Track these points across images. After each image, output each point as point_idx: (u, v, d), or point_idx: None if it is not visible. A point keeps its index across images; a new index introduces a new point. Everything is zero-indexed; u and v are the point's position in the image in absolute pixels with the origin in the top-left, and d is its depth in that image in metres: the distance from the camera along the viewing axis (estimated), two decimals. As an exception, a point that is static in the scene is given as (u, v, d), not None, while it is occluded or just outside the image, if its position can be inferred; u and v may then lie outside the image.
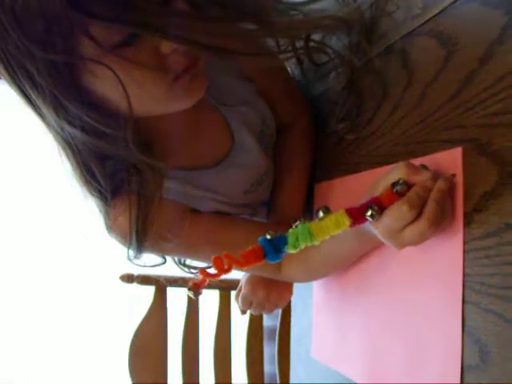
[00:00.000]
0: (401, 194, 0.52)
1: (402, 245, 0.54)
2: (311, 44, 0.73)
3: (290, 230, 0.49)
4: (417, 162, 0.59)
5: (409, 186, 0.52)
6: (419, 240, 0.52)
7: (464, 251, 0.51)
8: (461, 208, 0.52)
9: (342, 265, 0.77)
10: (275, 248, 0.48)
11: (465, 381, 0.50)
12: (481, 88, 0.50)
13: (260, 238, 0.49)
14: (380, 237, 0.54)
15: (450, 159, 0.53)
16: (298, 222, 0.49)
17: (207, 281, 0.49)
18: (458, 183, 0.52)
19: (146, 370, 1.33)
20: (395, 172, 0.54)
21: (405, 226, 0.51)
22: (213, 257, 0.47)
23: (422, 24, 0.60)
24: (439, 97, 0.56)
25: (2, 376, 2.08)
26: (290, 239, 0.48)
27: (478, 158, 0.50)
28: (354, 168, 0.75)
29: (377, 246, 0.67)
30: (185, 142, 0.74)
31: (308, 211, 0.90)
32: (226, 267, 0.47)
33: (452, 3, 0.55)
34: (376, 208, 0.51)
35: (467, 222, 0.51)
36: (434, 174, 0.52)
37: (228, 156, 0.79)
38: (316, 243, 0.49)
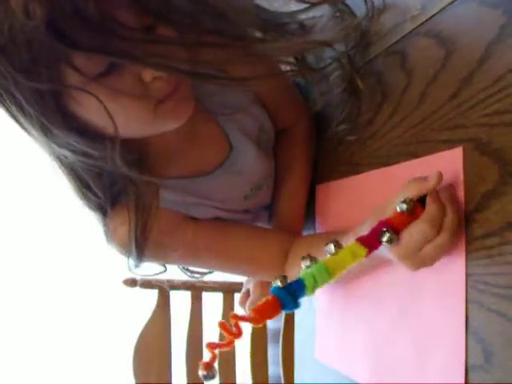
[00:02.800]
0: (410, 212, 0.50)
1: (419, 264, 0.52)
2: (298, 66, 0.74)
3: (304, 272, 0.46)
4: (418, 162, 0.59)
5: (416, 202, 0.51)
6: (439, 253, 0.51)
7: (466, 251, 0.51)
8: (462, 208, 0.52)
9: (346, 279, 0.77)
10: (292, 295, 0.43)
11: (469, 381, 0.50)
12: (480, 87, 0.50)
13: (272, 288, 0.44)
14: (395, 259, 0.53)
15: (451, 159, 0.53)
16: (308, 262, 0.46)
17: (217, 356, 0.42)
18: (459, 183, 0.52)
19: (150, 374, 1.33)
20: (404, 192, 0.52)
21: (423, 245, 0.50)
22: (220, 322, 0.42)
23: (421, 24, 0.60)
24: (439, 97, 0.56)
25: (6, 380, 2.09)
26: (308, 283, 0.44)
27: (478, 157, 0.50)
28: (355, 169, 0.75)
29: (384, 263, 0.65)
30: (180, 152, 0.74)
31: (309, 213, 0.90)
32: (235, 331, 0.41)
33: (450, 3, 0.55)
34: (392, 232, 0.49)
35: (469, 222, 0.51)
36: (439, 174, 0.51)
37: (225, 162, 0.79)
38: (332, 281, 0.46)
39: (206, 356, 0.42)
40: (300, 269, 0.46)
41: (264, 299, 0.43)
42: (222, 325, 0.41)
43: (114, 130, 0.55)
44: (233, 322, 0.41)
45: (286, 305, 0.43)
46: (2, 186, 1.93)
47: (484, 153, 0.49)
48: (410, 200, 0.50)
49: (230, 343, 0.41)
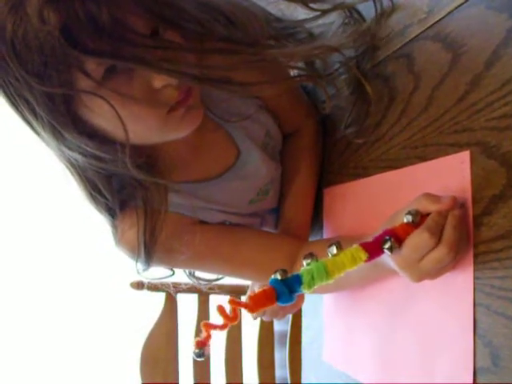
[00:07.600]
0: (416, 225, 0.50)
1: (419, 276, 0.52)
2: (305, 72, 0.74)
3: (303, 268, 0.47)
4: (425, 165, 0.59)
5: (423, 215, 0.51)
6: (438, 266, 0.51)
7: (474, 254, 0.51)
8: (470, 211, 0.52)
9: (352, 288, 0.77)
10: (289, 289, 0.45)
11: (477, 383, 0.50)
12: (488, 91, 0.50)
13: (271, 279, 0.45)
14: (396, 268, 0.53)
15: (458, 162, 0.53)
16: (309, 260, 0.47)
17: (211, 337, 0.44)
18: (467, 186, 0.52)
19: (157, 376, 1.33)
20: (413, 204, 0.53)
21: (423, 256, 0.50)
22: (218, 306, 0.44)
23: (428, 28, 0.60)
24: (446, 100, 0.56)
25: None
26: (305, 278, 0.45)
27: (486, 161, 0.50)
28: (363, 172, 0.75)
29: (389, 275, 0.65)
30: (189, 158, 0.75)
31: (317, 217, 0.90)
32: (231, 315, 0.43)
33: (457, 7, 0.55)
34: (394, 240, 0.49)
35: (476, 225, 0.51)
36: (453, 199, 0.51)
37: (232, 167, 0.79)
38: (330, 282, 0.47)
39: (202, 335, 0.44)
40: (302, 267, 0.48)
41: (261, 289, 0.45)
42: (219, 308, 0.43)
43: (125, 135, 0.56)
44: (230, 306, 0.43)
45: (280, 296, 0.44)
46: (10, 188, 1.94)
47: (491, 156, 0.49)
48: (417, 212, 0.51)
49: (226, 326, 0.43)
